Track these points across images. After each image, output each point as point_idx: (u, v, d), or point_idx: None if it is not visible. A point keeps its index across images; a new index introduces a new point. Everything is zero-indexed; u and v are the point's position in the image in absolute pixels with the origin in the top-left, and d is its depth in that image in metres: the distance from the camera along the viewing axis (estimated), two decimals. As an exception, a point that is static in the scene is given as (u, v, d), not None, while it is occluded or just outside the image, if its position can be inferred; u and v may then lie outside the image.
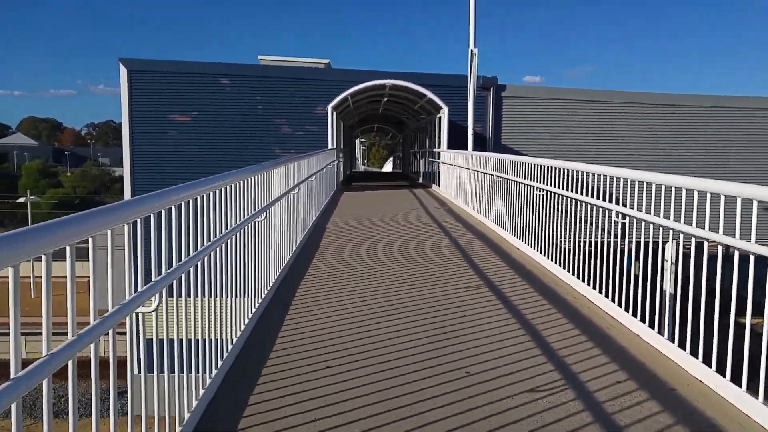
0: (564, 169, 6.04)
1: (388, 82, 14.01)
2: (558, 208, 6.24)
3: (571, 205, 5.90)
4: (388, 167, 48.85)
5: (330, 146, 14.25)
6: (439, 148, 15.53)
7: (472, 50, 13.97)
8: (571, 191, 5.85)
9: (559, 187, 6.15)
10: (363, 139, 59.95)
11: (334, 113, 14.27)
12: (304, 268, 6.33)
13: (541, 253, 6.59)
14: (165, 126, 17.44)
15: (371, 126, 34.33)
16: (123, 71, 16.97)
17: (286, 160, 5.80)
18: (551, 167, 6.39)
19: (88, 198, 54.40)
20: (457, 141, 15.89)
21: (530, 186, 7.03)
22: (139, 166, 17.09)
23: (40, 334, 1.54)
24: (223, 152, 17.61)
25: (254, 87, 17.64)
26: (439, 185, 14.96)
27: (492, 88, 18.09)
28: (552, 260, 6.21)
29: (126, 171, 17.32)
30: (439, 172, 15.60)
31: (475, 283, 5.68)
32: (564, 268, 5.86)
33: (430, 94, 14.37)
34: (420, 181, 20.37)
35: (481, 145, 18.21)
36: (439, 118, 15.56)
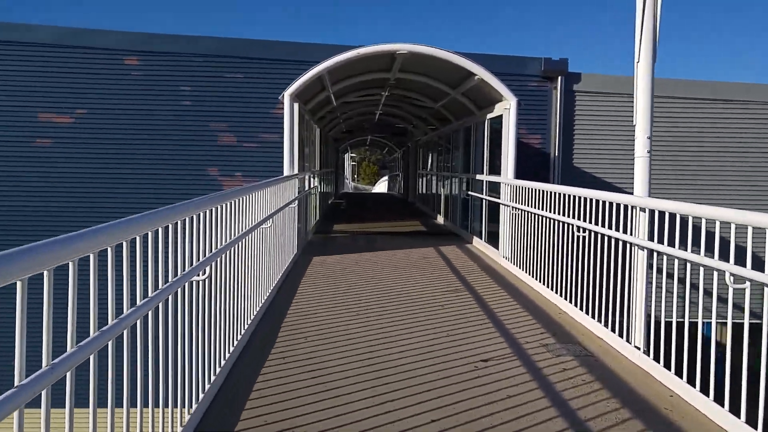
0: None
1: (402, 47, 7.41)
2: None
3: None
4: (381, 187, 42.15)
5: (287, 167, 7.52)
6: (488, 174, 8.88)
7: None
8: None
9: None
10: (353, 154, 53.51)
11: (296, 105, 7.58)
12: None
13: None
14: (30, 131, 10.68)
15: (363, 138, 27.68)
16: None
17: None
18: None
19: None
20: (500, 162, 9.32)
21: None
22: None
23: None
24: (125, 177, 10.83)
25: (177, 71, 10.93)
26: (495, 245, 8.25)
27: (559, 79, 11.54)
28: None
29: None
30: (486, 216, 8.89)
31: None
32: None
33: (481, 72, 7.73)
34: (440, 221, 13.58)
35: (542, 166, 11.60)
36: (490, 122, 8.89)
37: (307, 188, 9.51)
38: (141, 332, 2.32)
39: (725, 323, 3.14)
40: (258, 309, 4.76)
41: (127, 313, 2.03)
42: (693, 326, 3.54)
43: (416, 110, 13.82)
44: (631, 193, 4.66)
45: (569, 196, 5.23)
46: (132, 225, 2.11)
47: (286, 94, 7.49)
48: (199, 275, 2.96)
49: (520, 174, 8.90)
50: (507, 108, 7.76)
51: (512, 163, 7.76)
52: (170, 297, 2.62)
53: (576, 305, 5.09)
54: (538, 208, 6.13)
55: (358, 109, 15.03)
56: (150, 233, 2.40)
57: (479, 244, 9.10)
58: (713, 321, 3.18)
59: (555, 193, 5.66)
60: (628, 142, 12.17)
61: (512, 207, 7.13)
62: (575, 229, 4.96)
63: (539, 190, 6.12)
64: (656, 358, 3.80)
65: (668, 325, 3.74)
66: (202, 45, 11.05)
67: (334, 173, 22.84)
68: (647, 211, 4.01)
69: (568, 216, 5.21)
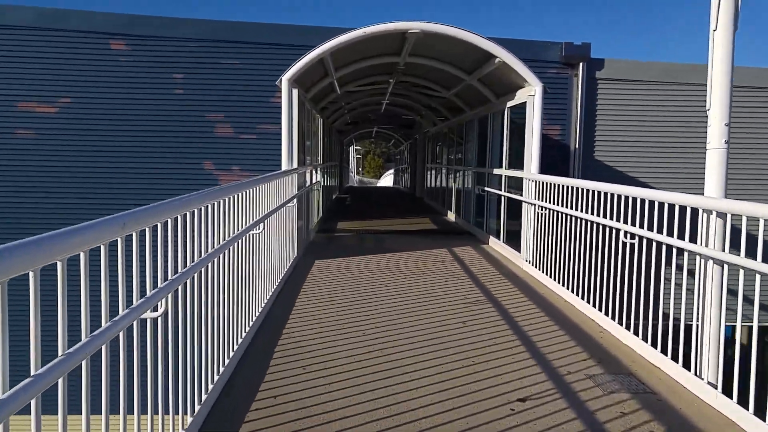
0: None
1: (414, 25, 6.54)
2: None
3: None
4: (387, 180, 41.31)
5: (285, 161, 6.70)
6: (507, 168, 8.09)
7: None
8: None
9: None
10: (358, 147, 52.71)
11: (296, 92, 6.73)
12: None
13: None
14: (10, 122, 9.92)
15: (368, 130, 26.85)
16: None
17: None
18: None
19: None
20: (521, 155, 8.51)
21: None
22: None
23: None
24: (112, 172, 10.06)
25: (169, 57, 10.13)
26: (515, 247, 7.47)
27: (580, 65, 10.69)
28: None
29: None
30: (505, 214, 8.09)
31: None
32: None
33: (502, 54, 6.89)
34: (451, 218, 12.79)
35: (561, 159, 10.78)
36: (510, 111, 8.07)
37: (308, 184, 8.73)
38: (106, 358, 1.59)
39: None
40: (245, 335, 3.98)
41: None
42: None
43: (426, 100, 12.98)
44: (656, 190, 3.86)
45: (614, 195, 4.41)
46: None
47: (284, 79, 6.67)
48: (150, 312, 2.18)
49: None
50: (531, 95, 6.93)
51: (536, 157, 6.94)
52: (120, 333, 1.85)
53: (621, 323, 4.30)
54: (572, 208, 5.32)
55: (364, 99, 14.20)
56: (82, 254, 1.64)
57: (496, 245, 8.29)
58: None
59: (594, 191, 4.84)
60: (656, 134, 11.38)
61: (538, 206, 6.31)
62: (623, 235, 4.15)
63: (574, 188, 5.30)
64: (742, 403, 3.00)
65: (744, 356, 2.96)
66: (195, 28, 10.24)
67: (339, 167, 22.04)
68: (728, 216, 3.20)
69: (613, 219, 4.40)
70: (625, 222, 4.19)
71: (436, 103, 12.80)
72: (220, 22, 10.47)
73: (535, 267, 6.49)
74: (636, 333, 4.01)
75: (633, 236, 4.07)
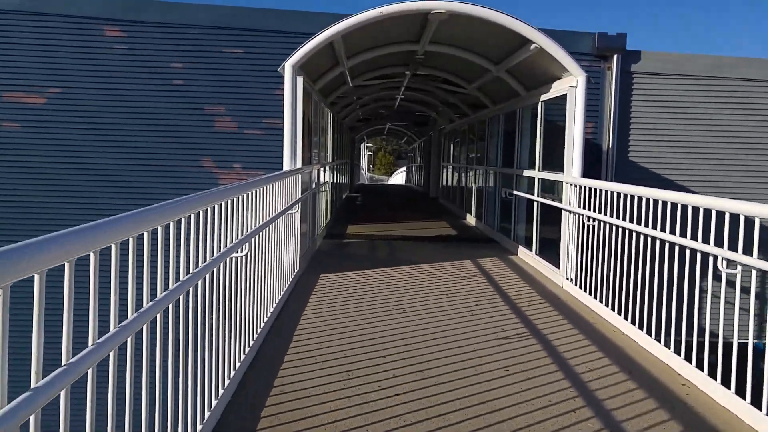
0: None
1: (439, 5, 5.56)
2: None
3: None
4: (398, 178, 40.36)
5: (287, 159, 5.78)
6: (541, 170, 7.22)
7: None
8: None
9: None
10: (369, 144, 51.85)
11: (300, 80, 5.79)
12: None
13: None
14: (-4, 113, 9.14)
15: (380, 127, 25.95)
16: None
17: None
18: None
19: None
20: (556, 155, 7.58)
21: None
22: None
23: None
24: (104, 168, 9.25)
25: (168, 45, 9.30)
26: (551, 261, 6.59)
27: (615, 58, 9.72)
28: None
29: None
30: (538, 222, 7.17)
31: None
32: None
33: (540, 38, 5.93)
34: (470, 222, 11.89)
35: (593, 160, 9.81)
36: (545, 105, 7.16)
37: (315, 185, 7.87)
38: None
39: None
40: (234, 373, 3.12)
41: None
42: None
43: (443, 95, 12.06)
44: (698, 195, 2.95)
45: (700, 210, 3.49)
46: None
47: (287, 65, 5.79)
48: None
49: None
50: (573, 86, 6.00)
51: (579, 158, 6.05)
52: None
53: (714, 376, 3.37)
54: (634, 223, 4.40)
55: (376, 93, 13.32)
56: None
57: (527, 257, 7.38)
58: None
59: (668, 203, 3.92)
60: (701, 135, 10.41)
61: (585, 216, 5.39)
62: (720, 263, 3.22)
63: (637, 197, 4.37)
64: None
65: None
66: (196, 14, 9.39)
67: (350, 164, 21.17)
68: None
69: (707, 242, 3.46)
70: (719, 244, 3.26)
71: (454, 99, 11.87)
72: (223, 7, 9.64)
73: (579, 287, 5.58)
74: (742, 394, 3.08)
75: (734, 264, 3.14)
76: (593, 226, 5.34)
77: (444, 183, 16.87)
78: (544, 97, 7.00)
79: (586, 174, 6.80)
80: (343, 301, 5.17)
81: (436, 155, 18.64)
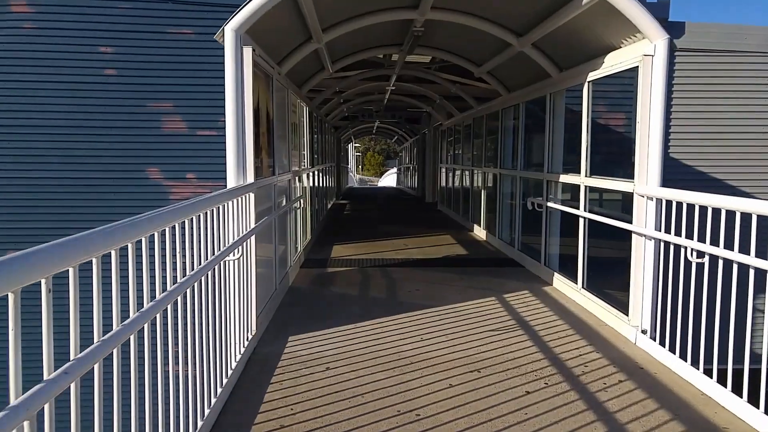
0: None
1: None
2: None
3: None
4: (388, 180, 38.37)
5: (232, 172, 3.77)
6: (589, 175, 5.38)
7: None
8: None
9: None
10: (356, 144, 49.96)
11: (249, 51, 3.70)
12: None
13: None
14: None
15: (368, 125, 23.99)
16: None
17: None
18: None
19: None
20: (571, 147, 5.73)
21: None
22: None
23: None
24: (15, 180, 7.25)
25: (92, 24, 7.30)
26: (609, 300, 4.71)
27: (660, 28, 7.80)
28: None
29: None
30: (585, 245, 5.28)
31: None
32: None
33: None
34: (480, 236, 10.02)
35: (625, 156, 7.91)
36: (590, 87, 5.32)
37: (286, 200, 5.93)
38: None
39: None
40: None
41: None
42: None
43: (442, 85, 10.14)
44: None
45: None
46: None
47: (228, 29, 3.78)
48: None
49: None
50: (648, 54, 4.11)
51: (658, 158, 4.17)
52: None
53: None
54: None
55: (363, 85, 11.39)
56: None
57: (570, 291, 5.47)
58: None
59: None
60: (761, 124, 8.62)
61: (674, 245, 3.49)
62: None
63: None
64: None
65: None
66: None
67: (336, 167, 19.19)
68: None
69: None
70: None
71: (456, 89, 9.96)
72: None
73: (667, 348, 3.72)
74: None
75: None
76: (689, 259, 3.47)
77: (443, 187, 14.94)
78: (592, 75, 5.10)
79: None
80: (319, 400, 3.23)
81: (432, 155, 16.70)
